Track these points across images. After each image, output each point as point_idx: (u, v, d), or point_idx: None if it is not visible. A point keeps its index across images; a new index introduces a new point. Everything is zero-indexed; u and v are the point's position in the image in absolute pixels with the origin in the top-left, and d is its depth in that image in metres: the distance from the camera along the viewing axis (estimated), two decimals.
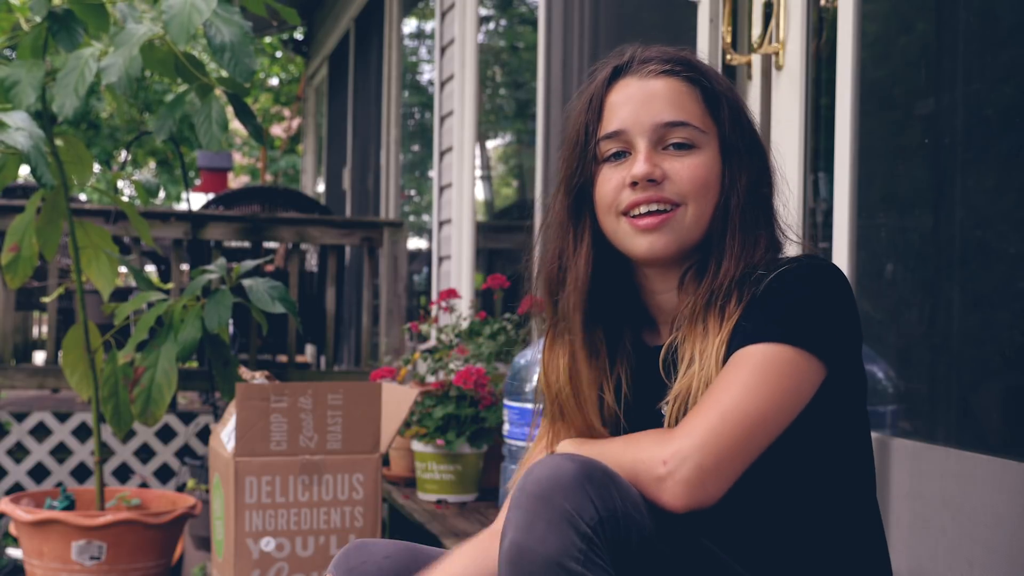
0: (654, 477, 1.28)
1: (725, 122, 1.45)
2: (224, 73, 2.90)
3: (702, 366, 1.38)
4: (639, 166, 1.42)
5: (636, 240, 1.44)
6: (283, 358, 5.63)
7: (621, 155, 1.45)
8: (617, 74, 1.48)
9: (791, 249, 1.54)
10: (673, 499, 1.27)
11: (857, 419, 1.44)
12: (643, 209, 1.43)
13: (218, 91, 2.95)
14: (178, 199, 14.42)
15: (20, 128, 2.72)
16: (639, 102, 1.44)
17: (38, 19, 2.96)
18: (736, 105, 1.47)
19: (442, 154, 5.01)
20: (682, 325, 1.43)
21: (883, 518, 2.06)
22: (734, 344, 1.36)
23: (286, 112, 14.06)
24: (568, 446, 1.44)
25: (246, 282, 3.02)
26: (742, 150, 1.45)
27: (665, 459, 1.28)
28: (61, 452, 4.84)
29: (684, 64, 1.46)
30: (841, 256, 2.08)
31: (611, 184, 1.45)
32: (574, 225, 1.49)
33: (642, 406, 1.48)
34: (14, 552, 4.14)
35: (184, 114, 3.05)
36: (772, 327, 1.34)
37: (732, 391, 1.32)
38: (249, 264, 3.08)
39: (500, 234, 5.26)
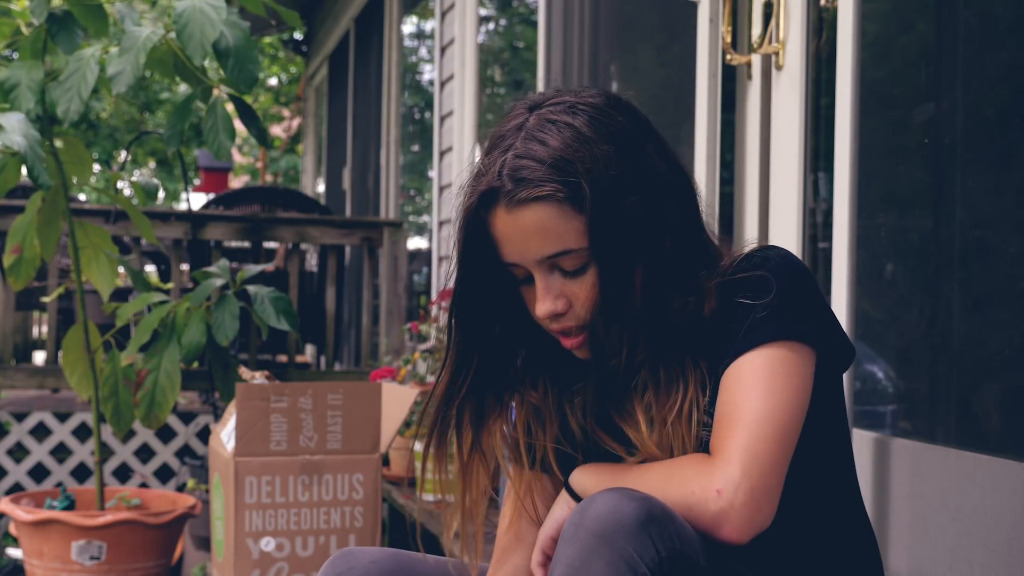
0: (712, 513, 1.25)
1: (601, 219, 1.33)
2: (223, 73, 2.90)
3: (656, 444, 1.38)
4: (539, 307, 1.38)
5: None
6: (283, 358, 5.63)
7: (529, 279, 1.40)
8: (489, 201, 1.37)
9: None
10: (734, 530, 1.25)
11: (836, 396, 1.44)
12: (560, 333, 1.42)
13: (222, 94, 2.94)
14: (178, 199, 14.43)
15: (16, 130, 2.72)
16: (517, 239, 1.36)
17: (37, 21, 2.96)
18: (612, 175, 1.34)
19: (442, 154, 5.01)
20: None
21: (883, 518, 2.06)
22: (727, 360, 1.35)
23: (286, 112, 14.06)
24: (605, 476, 1.39)
25: (250, 288, 3.03)
26: (632, 221, 1.35)
27: (719, 489, 1.26)
28: (61, 452, 4.84)
29: (552, 171, 1.34)
30: (841, 256, 2.08)
31: (531, 305, 1.42)
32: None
33: (603, 421, 1.46)
34: (14, 552, 4.14)
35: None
36: (758, 331, 1.34)
37: (752, 404, 1.30)
38: (253, 269, 3.10)
39: None
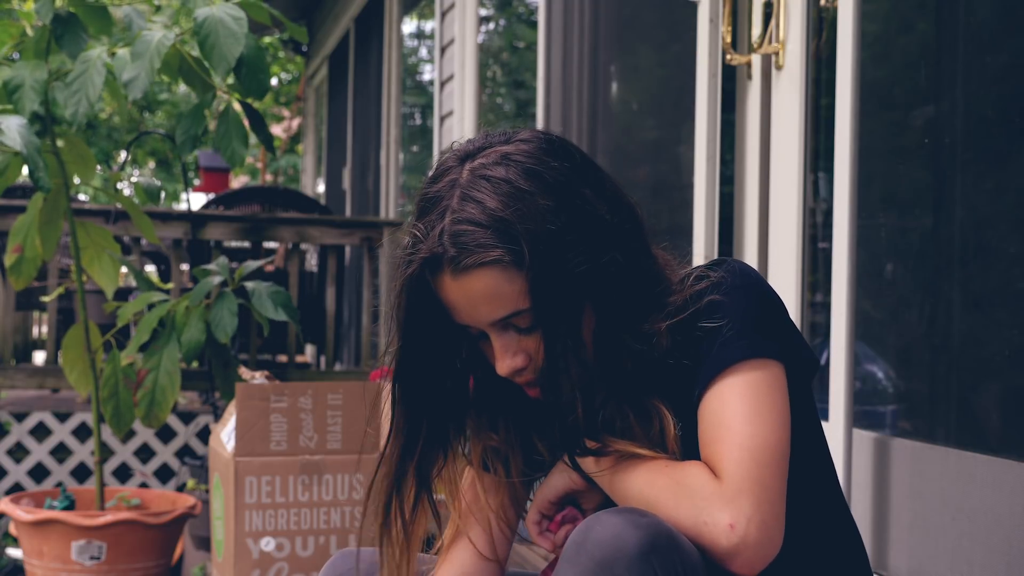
0: (725, 548, 1.24)
1: (542, 277, 1.30)
2: (231, 79, 2.89)
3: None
4: (499, 366, 1.36)
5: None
6: (283, 358, 5.63)
7: (485, 335, 1.37)
8: (433, 267, 1.33)
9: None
10: (746, 565, 1.24)
11: (807, 402, 1.43)
12: (524, 385, 1.40)
13: (235, 104, 2.93)
14: (178, 199, 14.43)
15: (15, 132, 2.72)
16: (466, 304, 1.33)
17: (43, 23, 2.95)
18: (551, 230, 1.30)
19: (442, 154, 5.01)
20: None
21: (883, 518, 2.06)
22: (703, 382, 1.33)
23: (286, 112, 14.07)
24: (609, 461, 1.36)
25: (249, 285, 3.03)
26: (575, 274, 1.31)
27: (731, 523, 1.24)
28: (61, 452, 4.84)
29: (493, 234, 1.30)
30: (841, 256, 2.08)
31: (490, 359, 1.39)
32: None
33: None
34: (14, 552, 4.14)
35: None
36: (730, 350, 1.32)
37: (749, 429, 1.29)
38: (252, 266, 3.09)
39: None
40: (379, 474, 1.47)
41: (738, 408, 1.30)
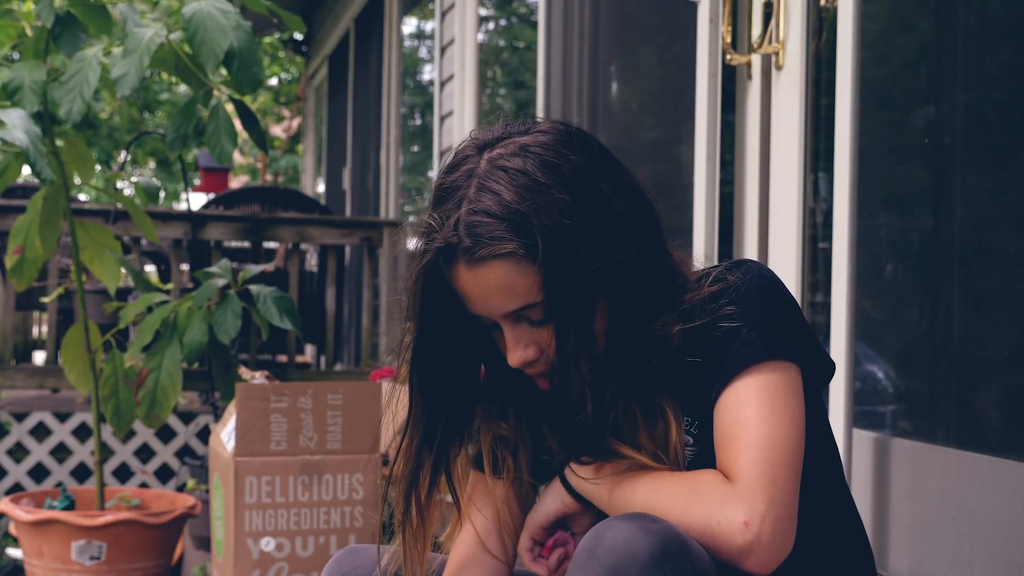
0: (739, 547, 1.24)
1: (555, 272, 1.30)
2: (224, 73, 2.90)
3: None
4: (511, 357, 1.36)
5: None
6: (283, 358, 5.63)
7: (498, 325, 1.37)
8: (448, 256, 1.33)
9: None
10: (759, 564, 1.24)
11: (820, 406, 1.43)
12: (536, 377, 1.40)
13: (225, 101, 2.93)
14: (178, 199, 14.43)
15: (17, 126, 2.72)
16: (480, 295, 1.33)
17: (43, 23, 2.95)
18: (566, 224, 1.29)
19: (442, 154, 5.01)
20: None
21: (883, 518, 2.06)
22: (720, 383, 1.33)
23: (286, 112, 14.06)
24: (608, 476, 1.36)
25: (252, 288, 3.04)
26: (589, 270, 1.31)
27: (746, 521, 1.24)
28: (61, 452, 4.84)
29: (509, 226, 1.29)
30: (841, 256, 2.08)
31: (502, 350, 1.39)
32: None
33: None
34: (14, 552, 4.14)
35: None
36: (747, 352, 1.32)
37: (763, 429, 1.29)
38: (255, 269, 3.10)
39: None
40: (399, 465, 1.47)
41: (754, 409, 1.30)
